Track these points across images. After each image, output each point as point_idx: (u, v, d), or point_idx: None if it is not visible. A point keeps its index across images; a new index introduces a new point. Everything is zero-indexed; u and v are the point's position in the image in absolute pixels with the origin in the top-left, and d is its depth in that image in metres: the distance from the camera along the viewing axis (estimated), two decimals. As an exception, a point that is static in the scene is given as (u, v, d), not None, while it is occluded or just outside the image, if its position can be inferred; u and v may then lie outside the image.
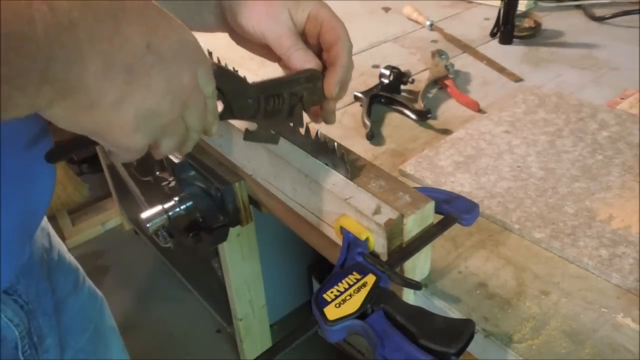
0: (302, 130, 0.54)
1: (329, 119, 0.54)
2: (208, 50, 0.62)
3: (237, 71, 0.46)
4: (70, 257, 0.68)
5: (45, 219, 0.63)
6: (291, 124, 0.52)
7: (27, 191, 0.48)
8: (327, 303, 0.41)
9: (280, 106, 0.48)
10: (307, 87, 0.49)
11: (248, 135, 0.50)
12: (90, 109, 0.30)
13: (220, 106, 0.44)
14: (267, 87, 0.47)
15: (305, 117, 0.52)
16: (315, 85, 0.50)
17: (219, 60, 0.61)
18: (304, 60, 0.49)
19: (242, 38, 0.52)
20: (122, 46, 0.30)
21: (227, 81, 0.43)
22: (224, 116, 0.45)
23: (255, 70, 0.57)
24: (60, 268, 0.64)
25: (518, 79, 0.90)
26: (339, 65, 0.50)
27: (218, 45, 0.60)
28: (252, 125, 0.50)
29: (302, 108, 0.50)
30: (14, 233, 0.46)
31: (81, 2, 0.28)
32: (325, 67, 0.51)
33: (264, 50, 0.52)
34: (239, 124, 0.57)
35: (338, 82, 0.50)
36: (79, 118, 0.31)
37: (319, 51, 0.52)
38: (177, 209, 0.70)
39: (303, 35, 0.51)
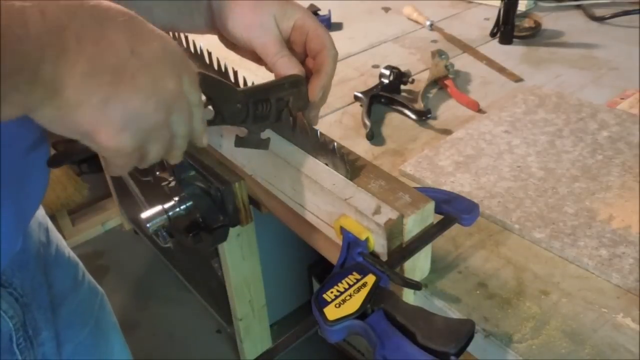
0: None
1: (312, 122, 0.56)
2: (207, 51, 0.62)
3: (234, 73, 0.46)
4: (69, 252, 0.68)
5: (43, 214, 0.64)
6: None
7: (20, 180, 0.48)
8: (327, 303, 0.41)
9: (268, 111, 0.50)
10: (292, 92, 0.51)
11: (239, 141, 0.52)
12: (78, 108, 0.32)
13: (211, 113, 0.45)
14: (255, 93, 0.49)
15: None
16: (300, 90, 0.52)
17: (218, 61, 0.61)
18: (288, 67, 0.51)
19: (230, 42, 0.55)
20: (107, 49, 0.32)
21: (214, 88, 0.45)
22: (215, 122, 0.46)
23: (255, 70, 0.57)
24: (58, 263, 0.64)
25: (518, 79, 0.90)
26: (323, 72, 0.53)
27: (218, 46, 0.60)
28: (242, 132, 0.52)
29: (289, 113, 0.52)
30: (6, 221, 0.47)
31: (69, 9, 0.30)
32: (311, 73, 0.54)
33: (251, 55, 0.54)
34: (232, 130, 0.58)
35: (322, 88, 0.53)
36: (69, 118, 0.32)
37: (304, 59, 0.55)
38: (177, 209, 0.70)
39: (289, 43, 0.54)
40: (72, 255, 0.69)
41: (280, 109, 0.51)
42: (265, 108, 0.50)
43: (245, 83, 0.59)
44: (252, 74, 0.62)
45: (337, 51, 0.54)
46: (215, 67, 0.61)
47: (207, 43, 0.61)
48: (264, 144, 0.53)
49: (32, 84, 0.29)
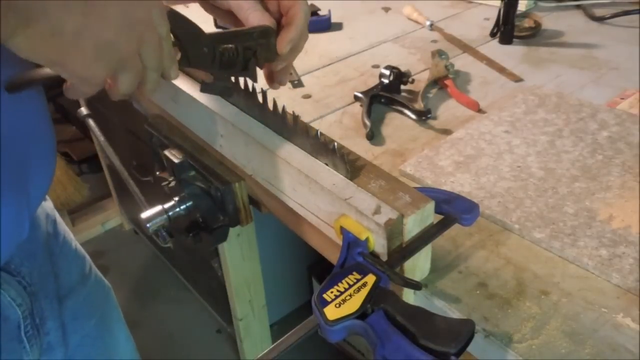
0: (256, 86, 0.56)
1: (281, 79, 0.57)
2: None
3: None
4: (77, 245, 0.70)
5: (52, 207, 0.66)
6: (246, 78, 0.55)
7: (22, 165, 0.49)
8: (327, 303, 0.41)
9: (235, 58, 0.51)
10: (260, 42, 0.51)
11: (204, 87, 0.53)
12: (52, 37, 0.33)
13: (177, 54, 0.46)
14: (222, 38, 0.50)
15: (306, 117, 0.53)
16: (269, 41, 0.52)
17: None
18: (260, 21, 0.52)
19: (210, 5, 0.55)
20: None
21: (181, 26, 0.46)
22: (181, 64, 0.47)
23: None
24: (65, 255, 0.65)
25: (518, 79, 0.90)
26: (293, 25, 0.52)
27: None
28: (208, 78, 0.53)
29: (255, 63, 0.52)
30: (10, 206, 0.47)
31: None
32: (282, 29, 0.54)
33: (230, 17, 0.55)
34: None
35: (290, 41, 0.52)
36: (43, 47, 0.33)
37: (279, 18, 0.55)
38: (177, 209, 0.70)
39: (263, 3, 0.54)
40: (80, 248, 0.70)
41: (247, 58, 0.52)
42: (231, 55, 0.50)
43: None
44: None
45: (309, 7, 0.54)
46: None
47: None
48: (228, 92, 0.55)
49: (6, 12, 0.30)
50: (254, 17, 0.52)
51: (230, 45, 0.50)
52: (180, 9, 0.60)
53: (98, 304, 0.70)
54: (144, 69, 0.40)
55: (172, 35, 0.44)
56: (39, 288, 0.57)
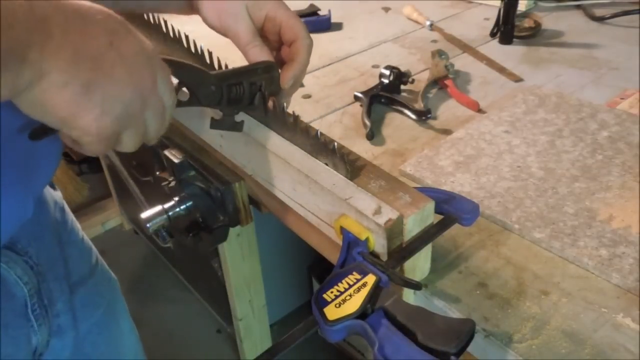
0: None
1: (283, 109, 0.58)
2: (208, 50, 0.62)
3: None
4: (84, 236, 0.71)
5: (60, 196, 0.67)
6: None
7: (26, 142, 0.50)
8: (327, 303, 0.41)
9: (242, 94, 0.53)
10: (264, 77, 0.54)
11: (214, 124, 0.55)
12: (63, 90, 0.35)
13: (186, 95, 0.49)
14: (228, 76, 0.51)
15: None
16: (272, 76, 0.54)
17: (219, 60, 0.61)
18: (258, 56, 0.54)
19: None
20: (88, 40, 0.36)
21: (187, 73, 0.48)
22: (192, 103, 0.49)
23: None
24: (73, 242, 0.67)
25: (518, 79, 0.90)
26: (297, 62, 0.55)
27: (218, 45, 0.61)
28: (217, 115, 0.54)
29: (262, 97, 0.54)
30: (12, 184, 0.48)
31: (55, 3, 0.34)
32: (284, 62, 0.57)
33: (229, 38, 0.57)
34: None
35: (293, 77, 0.55)
36: (54, 100, 0.35)
37: (279, 47, 0.58)
38: (177, 209, 0.70)
39: (262, 32, 0.57)
40: (87, 239, 0.72)
41: (253, 93, 0.53)
42: (238, 91, 0.52)
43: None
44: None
45: (312, 40, 0.57)
46: (216, 66, 0.61)
47: (207, 43, 0.61)
48: (238, 127, 0.56)
49: (22, 64, 0.33)
50: (254, 53, 0.54)
51: (236, 82, 0.52)
52: (184, 18, 0.61)
53: (105, 293, 0.72)
54: (145, 130, 0.42)
55: (176, 80, 0.47)
56: (48, 269, 0.58)
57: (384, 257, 0.47)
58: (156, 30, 0.70)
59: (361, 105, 0.83)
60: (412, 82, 0.87)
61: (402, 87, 0.87)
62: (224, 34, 0.56)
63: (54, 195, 0.65)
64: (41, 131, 0.41)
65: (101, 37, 0.36)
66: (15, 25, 0.32)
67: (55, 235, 0.62)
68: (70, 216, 0.69)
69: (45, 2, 0.34)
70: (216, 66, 0.62)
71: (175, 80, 0.46)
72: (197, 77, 0.49)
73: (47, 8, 0.34)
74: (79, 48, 0.35)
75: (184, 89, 0.48)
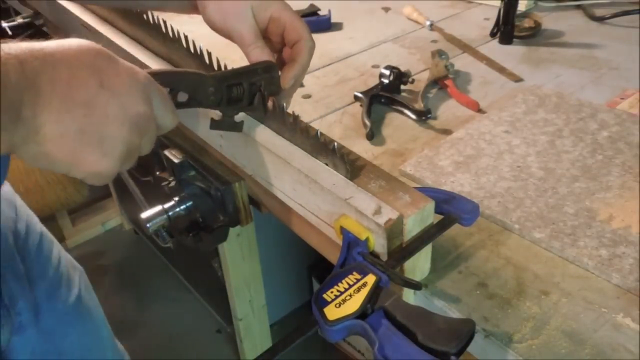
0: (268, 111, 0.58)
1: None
2: (207, 51, 0.62)
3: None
4: (42, 229, 0.72)
5: (12, 192, 0.68)
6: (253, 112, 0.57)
7: None
8: (327, 303, 0.41)
9: (242, 95, 0.53)
10: (264, 77, 0.54)
11: (214, 124, 0.55)
12: (58, 141, 0.35)
13: (185, 96, 0.49)
14: (228, 77, 0.51)
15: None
16: (272, 76, 0.54)
17: (218, 61, 0.61)
18: (260, 57, 0.55)
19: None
20: (77, 87, 0.36)
21: (182, 80, 0.48)
22: (192, 104, 0.49)
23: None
24: (30, 237, 0.67)
25: (518, 79, 0.90)
26: (298, 62, 0.56)
27: (218, 46, 0.61)
28: (217, 116, 0.54)
29: (261, 97, 0.54)
30: None
31: (43, 55, 0.35)
32: (285, 63, 0.57)
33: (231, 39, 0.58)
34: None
35: (294, 77, 0.56)
36: (54, 150, 0.36)
37: (281, 48, 0.58)
38: (177, 209, 0.70)
39: (265, 33, 0.57)
40: (46, 231, 0.72)
41: (253, 93, 0.54)
42: (238, 91, 0.52)
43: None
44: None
45: (315, 42, 0.57)
46: (216, 67, 0.61)
47: (207, 43, 0.61)
48: (238, 127, 0.56)
49: (16, 123, 0.33)
50: (256, 54, 0.55)
51: (236, 82, 0.52)
52: (184, 18, 0.61)
53: (73, 285, 0.73)
54: (141, 151, 0.43)
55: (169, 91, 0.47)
56: (6, 270, 0.59)
57: (384, 257, 0.47)
58: (156, 31, 0.70)
59: (361, 105, 0.83)
60: (412, 82, 0.87)
61: (402, 87, 0.87)
62: (227, 34, 0.56)
63: (6, 192, 0.66)
64: None
65: (90, 80, 0.37)
66: (8, 87, 0.32)
67: (10, 233, 0.63)
68: (25, 210, 0.69)
69: (32, 53, 0.34)
70: (216, 66, 0.62)
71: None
72: (193, 81, 0.49)
73: (36, 64, 0.34)
74: (69, 97, 0.35)
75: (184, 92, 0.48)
